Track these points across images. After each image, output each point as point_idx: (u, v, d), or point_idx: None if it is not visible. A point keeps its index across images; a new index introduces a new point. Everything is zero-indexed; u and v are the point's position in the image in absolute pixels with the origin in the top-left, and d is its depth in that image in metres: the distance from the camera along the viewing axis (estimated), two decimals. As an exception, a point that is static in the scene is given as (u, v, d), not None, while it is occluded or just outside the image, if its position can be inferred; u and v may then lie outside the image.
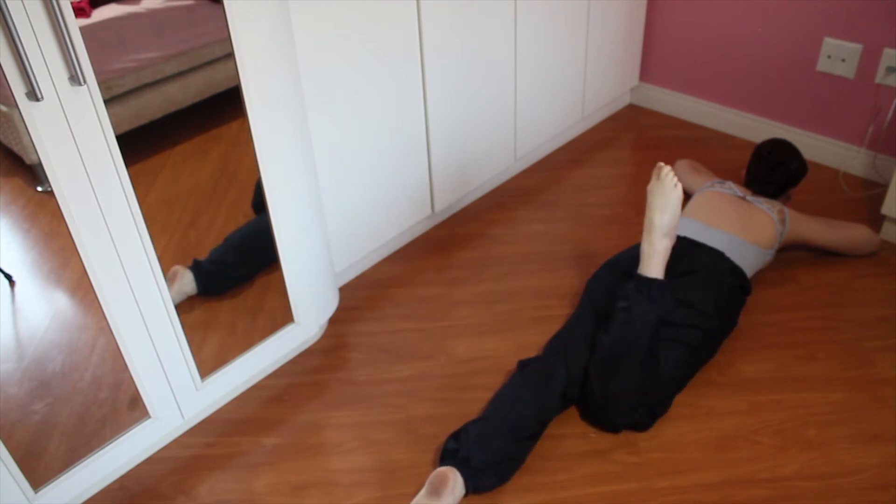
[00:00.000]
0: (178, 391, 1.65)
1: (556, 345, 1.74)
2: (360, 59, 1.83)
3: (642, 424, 1.67)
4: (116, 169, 1.36)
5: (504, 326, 1.99)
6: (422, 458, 1.66)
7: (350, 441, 1.71)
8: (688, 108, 2.85)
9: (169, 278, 1.54)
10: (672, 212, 1.67)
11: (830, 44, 2.38)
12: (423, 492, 1.52)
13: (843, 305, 1.99)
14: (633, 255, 1.87)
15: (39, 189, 1.28)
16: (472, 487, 1.54)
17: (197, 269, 1.58)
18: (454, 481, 1.51)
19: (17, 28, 1.14)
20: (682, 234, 1.95)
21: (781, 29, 2.47)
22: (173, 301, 1.55)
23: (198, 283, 1.59)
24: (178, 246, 1.53)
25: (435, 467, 1.62)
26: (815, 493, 1.54)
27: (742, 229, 1.93)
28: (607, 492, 1.57)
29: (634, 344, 1.60)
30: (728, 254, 1.86)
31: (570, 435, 1.69)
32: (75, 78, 1.23)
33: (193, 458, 1.69)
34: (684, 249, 1.85)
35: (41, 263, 1.33)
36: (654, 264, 1.68)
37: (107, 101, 1.31)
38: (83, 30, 1.23)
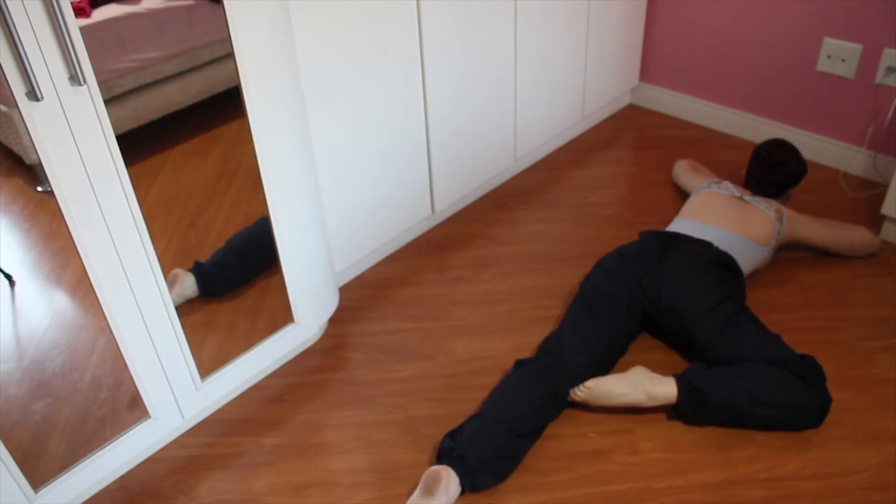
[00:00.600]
0: (178, 391, 1.65)
1: (550, 345, 1.75)
2: (360, 59, 1.83)
3: (813, 378, 1.63)
4: (116, 169, 1.36)
5: (504, 326, 1.99)
6: (422, 459, 1.66)
7: (350, 441, 1.71)
8: (688, 108, 2.85)
9: (170, 281, 1.54)
10: (610, 384, 1.66)
11: (830, 44, 2.38)
12: (417, 491, 1.52)
13: (843, 305, 1.99)
14: (620, 254, 1.88)
15: (39, 189, 1.28)
16: (468, 486, 1.54)
17: (198, 271, 1.58)
18: (448, 480, 1.51)
19: (17, 28, 1.14)
20: (673, 230, 1.96)
21: (781, 29, 2.47)
22: (174, 303, 1.55)
23: (199, 285, 1.59)
24: (178, 246, 1.53)
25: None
26: (815, 493, 1.54)
27: (735, 225, 1.94)
28: (607, 492, 1.57)
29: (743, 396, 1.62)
30: (715, 243, 1.87)
31: (570, 435, 1.69)
32: (75, 78, 1.23)
33: (193, 458, 1.69)
34: (671, 243, 1.85)
35: (41, 263, 1.33)
36: (660, 385, 1.66)
37: (107, 101, 1.31)
38: (83, 30, 1.23)
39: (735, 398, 1.60)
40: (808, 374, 1.62)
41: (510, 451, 1.58)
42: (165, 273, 1.52)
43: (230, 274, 1.65)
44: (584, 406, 1.74)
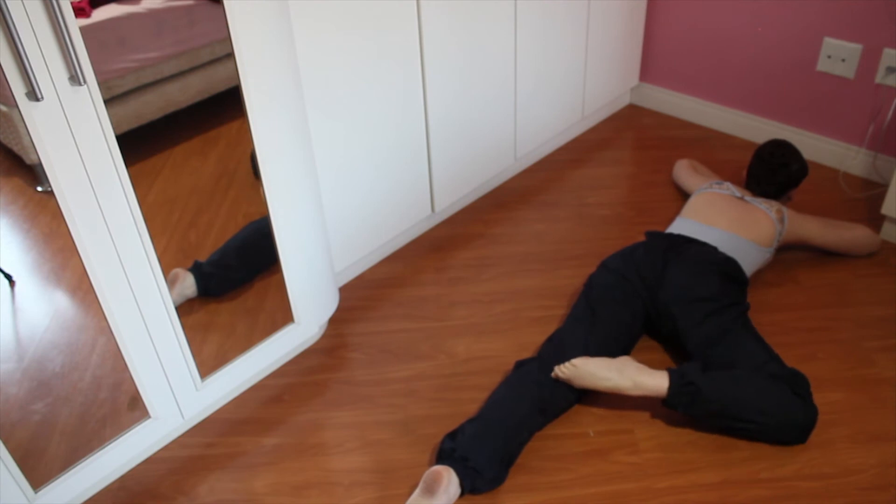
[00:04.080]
0: (178, 391, 1.65)
1: (553, 346, 1.74)
2: (360, 59, 1.83)
3: (801, 398, 1.61)
4: (116, 169, 1.36)
5: (504, 326, 1.99)
6: (421, 459, 1.66)
7: (350, 441, 1.71)
8: (688, 108, 2.85)
9: (170, 281, 1.54)
10: (596, 366, 1.63)
11: (830, 44, 2.38)
12: (417, 491, 1.52)
13: (843, 305, 1.99)
14: (625, 254, 1.88)
15: (39, 189, 1.28)
16: (468, 487, 1.54)
17: (198, 271, 1.58)
18: (448, 480, 1.51)
19: (17, 28, 1.14)
20: (677, 232, 1.96)
21: (781, 29, 2.47)
22: (174, 303, 1.55)
23: (199, 285, 1.59)
24: (178, 246, 1.53)
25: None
26: (815, 493, 1.54)
27: (738, 226, 1.94)
28: (607, 492, 1.57)
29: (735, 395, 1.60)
30: (721, 248, 1.87)
31: (570, 435, 1.69)
32: (75, 78, 1.23)
33: (193, 458, 1.69)
34: (677, 246, 1.85)
35: (41, 263, 1.33)
36: (649, 376, 1.63)
37: (107, 101, 1.31)
38: (83, 30, 1.23)
39: (727, 399, 1.58)
40: (800, 390, 1.60)
41: (511, 453, 1.58)
42: (165, 273, 1.52)
43: (229, 274, 1.65)
44: (581, 397, 1.74)
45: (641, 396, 1.70)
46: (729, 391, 1.59)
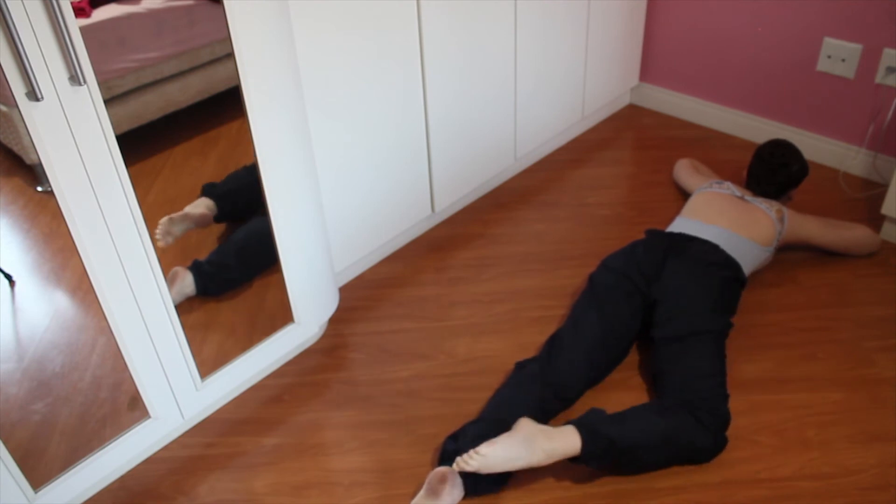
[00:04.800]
0: (178, 391, 1.65)
1: (554, 347, 1.74)
2: (360, 59, 1.83)
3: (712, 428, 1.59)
4: (116, 169, 1.36)
5: (504, 326, 1.99)
6: (422, 459, 1.66)
7: (350, 441, 1.71)
8: (688, 108, 2.85)
9: (169, 280, 1.54)
10: (504, 448, 1.48)
11: (830, 44, 2.38)
12: (421, 492, 1.52)
13: (843, 305, 1.99)
14: (626, 253, 1.88)
15: (39, 189, 1.28)
16: (471, 490, 1.54)
17: (197, 270, 1.58)
18: (453, 481, 1.51)
19: (17, 28, 1.14)
20: (678, 231, 1.96)
21: (781, 29, 2.47)
22: (174, 302, 1.55)
23: (197, 284, 1.59)
24: (178, 246, 1.53)
25: (434, 467, 1.62)
26: (815, 493, 1.54)
27: (738, 226, 1.94)
28: (607, 492, 1.57)
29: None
30: (722, 246, 1.87)
31: (570, 435, 1.69)
32: (75, 78, 1.23)
33: (193, 458, 1.69)
34: (678, 245, 1.85)
35: (41, 263, 1.33)
36: (560, 439, 1.51)
37: (107, 101, 1.31)
38: (83, 30, 1.23)
39: (639, 440, 1.53)
40: (715, 422, 1.57)
41: None
42: (165, 273, 1.52)
43: (228, 274, 1.65)
44: (580, 396, 1.74)
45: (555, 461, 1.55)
46: (639, 431, 1.53)
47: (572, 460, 1.54)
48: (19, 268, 1.31)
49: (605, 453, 1.51)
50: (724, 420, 1.59)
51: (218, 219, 1.57)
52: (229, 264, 1.63)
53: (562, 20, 2.40)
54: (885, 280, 2.06)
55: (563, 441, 1.50)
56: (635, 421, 1.55)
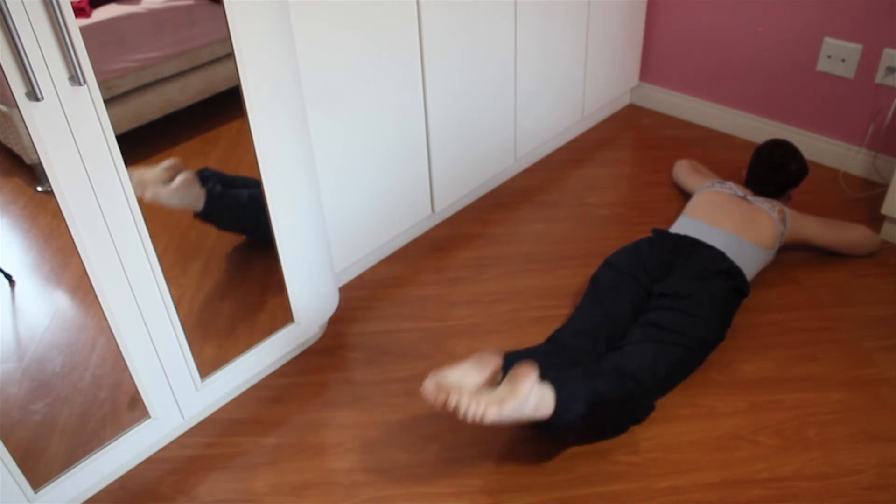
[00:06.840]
0: (178, 391, 1.65)
1: (554, 339, 1.75)
2: (360, 59, 1.84)
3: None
4: (116, 169, 1.36)
5: (504, 326, 1.99)
6: (422, 458, 1.66)
7: (350, 441, 1.71)
8: (688, 108, 2.85)
9: (178, 182, 1.45)
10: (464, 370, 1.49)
11: (830, 44, 2.38)
12: (502, 385, 1.40)
13: (843, 305, 1.99)
14: (629, 252, 1.88)
15: (39, 189, 1.28)
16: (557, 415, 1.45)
17: (210, 190, 1.50)
18: (536, 385, 1.41)
19: (17, 28, 1.14)
20: (683, 232, 1.95)
21: (781, 29, 2.47)
22: (167, 199, 1.47)
23: (206, 202, 1.52)
24: (178, 246, 1.53)
25: (435, 468, 1.62)
26: (815, 493, 1.54)
27: (743, 229, 1.93)
28: (607, 492, 1.57)
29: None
30: (728, 253, 1.86)
31: (570, 435, 1.69)
32: (75, 78, 1.23)
33: (193, 458, 1.69)
34: (685, 248, 1.85)
35: (41, 263, 1.33)
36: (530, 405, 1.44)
37: (107, 101, 1.31)
38: (83, 30, 1.23)
39: (606, 393, 1.54)
40: (642, 402, 1.63)
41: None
42: (165, 273, 1.52)
43: (237, 211, 1.57)
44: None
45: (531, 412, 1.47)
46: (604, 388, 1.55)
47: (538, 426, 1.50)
48: (19, 268, 1.31)
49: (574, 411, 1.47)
50: (648, 409, 1.66)
51: (201, 216, 1.53)
52: (242, 203, 1.57)
53: (562, 20, 2.40)
54: (885, 280, 2.06)
55: (532, 384, 1.42)
56: (584, 374, 1.56)
